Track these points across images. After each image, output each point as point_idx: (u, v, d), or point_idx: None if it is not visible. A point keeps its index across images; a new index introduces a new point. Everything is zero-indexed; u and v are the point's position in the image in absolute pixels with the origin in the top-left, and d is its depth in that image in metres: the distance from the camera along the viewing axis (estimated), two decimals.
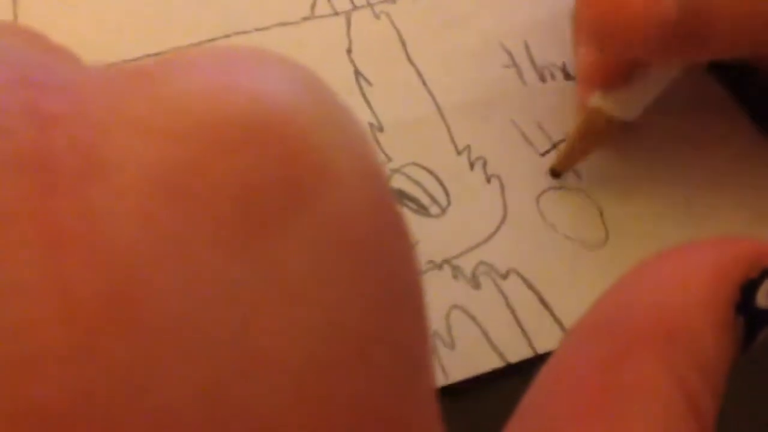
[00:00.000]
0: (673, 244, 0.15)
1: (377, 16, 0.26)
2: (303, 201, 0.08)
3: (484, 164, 0.23)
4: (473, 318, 0.20)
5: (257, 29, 0.25)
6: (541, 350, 0.20)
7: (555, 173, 0.23)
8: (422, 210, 0.22)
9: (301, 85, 0.09)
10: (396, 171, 0.23)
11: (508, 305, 0.21)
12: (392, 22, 0.26)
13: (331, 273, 0.08)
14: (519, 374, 0.20)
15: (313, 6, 0.26)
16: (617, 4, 0.19)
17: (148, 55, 0.24)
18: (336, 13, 0.26)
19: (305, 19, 0.25)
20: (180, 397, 0.07)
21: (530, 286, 0.21)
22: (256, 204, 0.08)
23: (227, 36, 0.25)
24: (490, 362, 0.20)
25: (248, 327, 0.08)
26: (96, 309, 0.07)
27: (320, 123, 0.09)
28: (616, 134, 0.22)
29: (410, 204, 0.22)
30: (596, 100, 0.22)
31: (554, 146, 0.24)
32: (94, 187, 0.08)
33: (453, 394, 0.19)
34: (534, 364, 0.20)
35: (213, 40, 0.24)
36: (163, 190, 0.08)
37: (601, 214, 0.22)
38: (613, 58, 0.22)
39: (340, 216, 0.09)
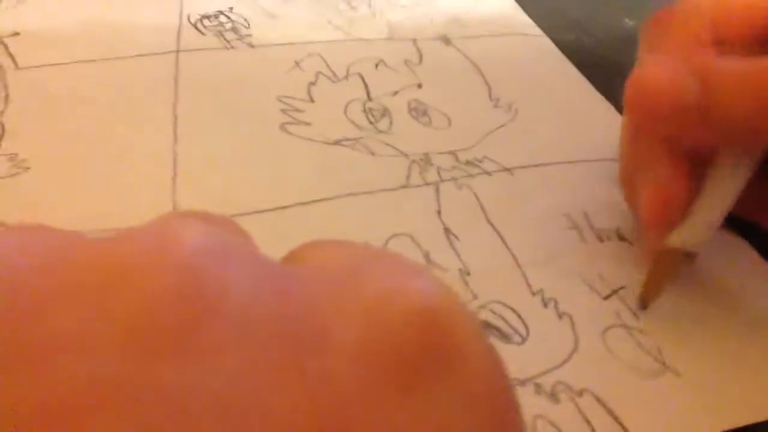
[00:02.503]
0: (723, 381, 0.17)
1: (459, 187, 0.31)
2: (446, 369, 0.12)
3: (556, 304, 0.27)
4: (555, 426, 0.23)
5: (365, 192, 0.30)
6: None
7: (643, 306, 0.27)
8: (505, 338, 0.26)
9: (443, 289, 0.13)
10: (482, 307, 0.27)
11: (584, 418, 0.24)
12: (473, 192, 0.31)
13: (461, 426, 0.12)
14: None
15: (408, 177, 0.31)
16: (645, 87, 0.25)
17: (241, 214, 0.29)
18: (427, 183, 0.31)
19: (402, 186, 0.31)
20: None
21: (603, 404, 0.24)
22: (417, 367, 0.12)
23: (339, 197, 0.30)
24: None
25: None
26: None
27: (458, 316, 0.13)
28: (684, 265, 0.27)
29: (495, 332, 0.26)
30: (672, 240, 0.27)
31: (614, 292, 0.28)
32: (325, 356, 0.11)
33: None
34: None
35: (330, 199, 0.30)
36: (367, 359, 0.11)
37: (659, 350, 0.26)
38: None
39: (470, 382, 0.12)
